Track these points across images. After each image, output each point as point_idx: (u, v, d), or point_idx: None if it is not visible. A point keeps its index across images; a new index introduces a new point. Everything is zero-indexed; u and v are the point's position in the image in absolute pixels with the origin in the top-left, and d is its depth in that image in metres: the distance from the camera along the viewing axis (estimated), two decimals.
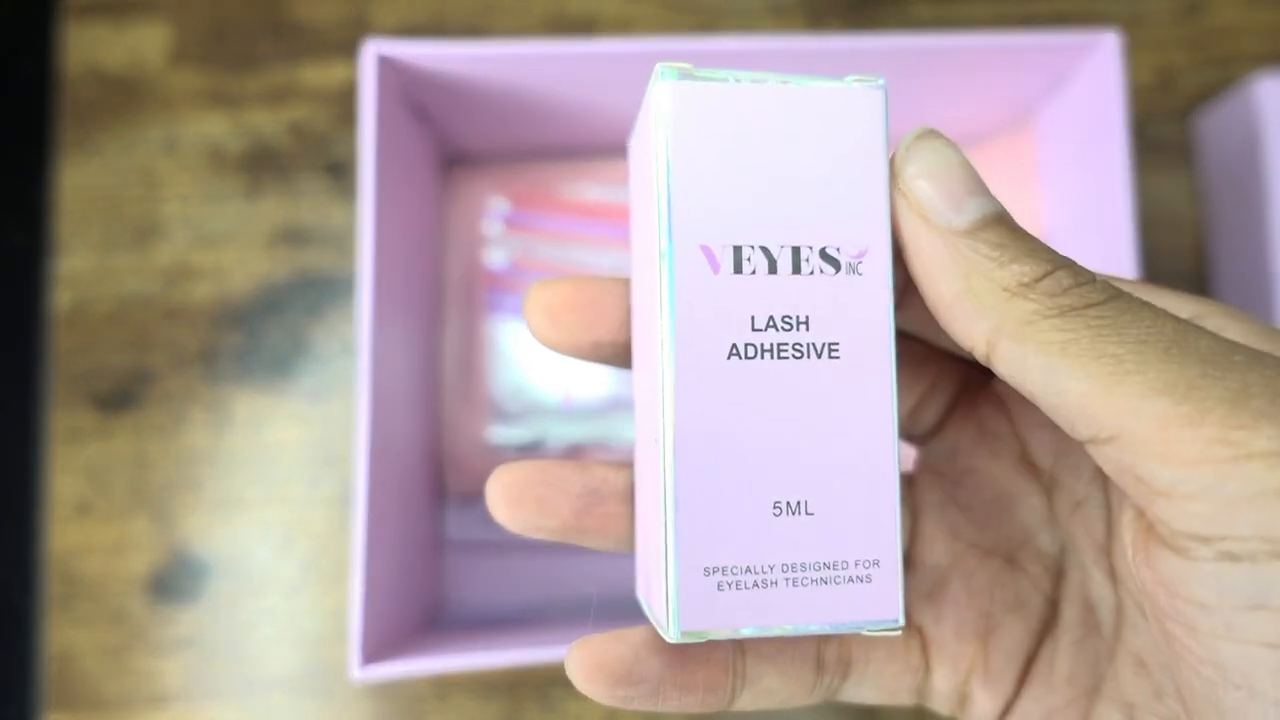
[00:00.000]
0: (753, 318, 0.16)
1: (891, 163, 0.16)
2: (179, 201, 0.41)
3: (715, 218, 0.16)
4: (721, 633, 0.15)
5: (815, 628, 0.16)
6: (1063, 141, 0.38)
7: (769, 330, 0.16)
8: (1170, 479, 0.12)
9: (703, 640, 0.15)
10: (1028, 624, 0.18)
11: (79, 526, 0.39)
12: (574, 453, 0.39)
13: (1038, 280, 0.14)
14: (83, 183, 0.41)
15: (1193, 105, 0.43)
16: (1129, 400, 0.13)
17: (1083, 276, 0.14)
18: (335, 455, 0.39)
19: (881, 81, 0.16)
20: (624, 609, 0.38)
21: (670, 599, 0.15)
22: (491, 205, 0.40)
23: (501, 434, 0.39)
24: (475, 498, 0.39)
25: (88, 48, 0.42)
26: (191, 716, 0.38)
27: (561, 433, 0.39)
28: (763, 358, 0.16)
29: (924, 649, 0.19)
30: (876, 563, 0.16)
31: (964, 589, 0.19)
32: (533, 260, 0.40)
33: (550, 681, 0.38)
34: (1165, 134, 0.43)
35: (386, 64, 0.31)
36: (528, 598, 0.38)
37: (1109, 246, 0.33)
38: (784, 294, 0.16)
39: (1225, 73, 0.43)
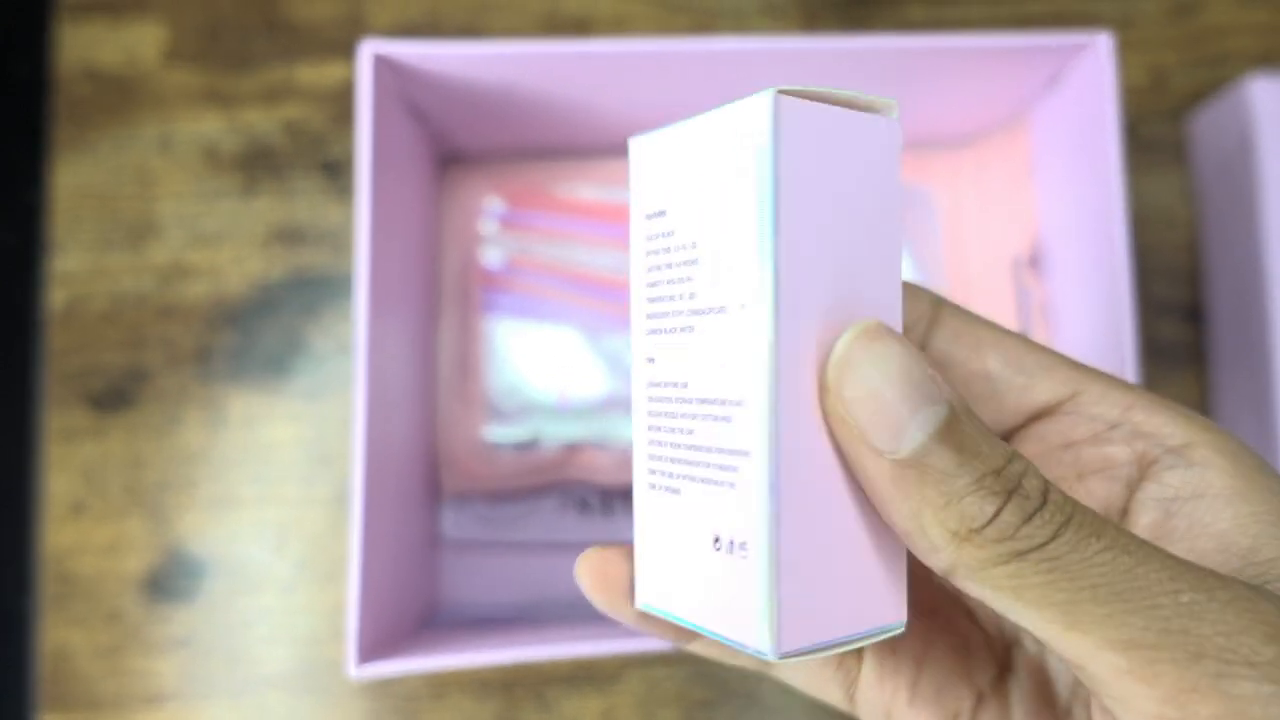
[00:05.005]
0: None
1: (824, 376, 0.15)
2: (174, 200, 0.41)
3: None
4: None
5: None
6: (1056, 142, 0.38)
7: None
8: (1127, 718, 0.13)
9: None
10: (967, 670, 0.19)
11: (74, 526, 0.39)
12: (570, 451, 0.39)
13: (985, 525, 0.14)
14: (77, 181, 0.41)
15: (1185, 105, 0.43)
16: (1084, 649, 0.13)
17: (1029, 505, 0.14)
18: (331, 454, 0.39)
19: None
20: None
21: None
22: (487, 204, 0.41)
23: (497, 432, 0.39)
24: (471, 496, 0.39)
25: (82, 46, 0.42)
26: (187, 716, 0.37)
27: (557, 431, 0.39)
28: None
29: (858, 652, 0.19)
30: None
31: (916, 618, 0.19)
32: (528, 259, 0.40)
33: (546, 680, 0.38)
34: (1158, 134, 0.43)
35: (382, 63, 0.31)
36: (523, 597, 0.38)
37: (1103, 246, 0.34)
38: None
39: (1217, 73, 0.43)
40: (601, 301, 0.40)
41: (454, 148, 0.40)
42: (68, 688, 0.38)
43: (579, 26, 0.43)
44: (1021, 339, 0.18)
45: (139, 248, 0.40)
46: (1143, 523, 0.17)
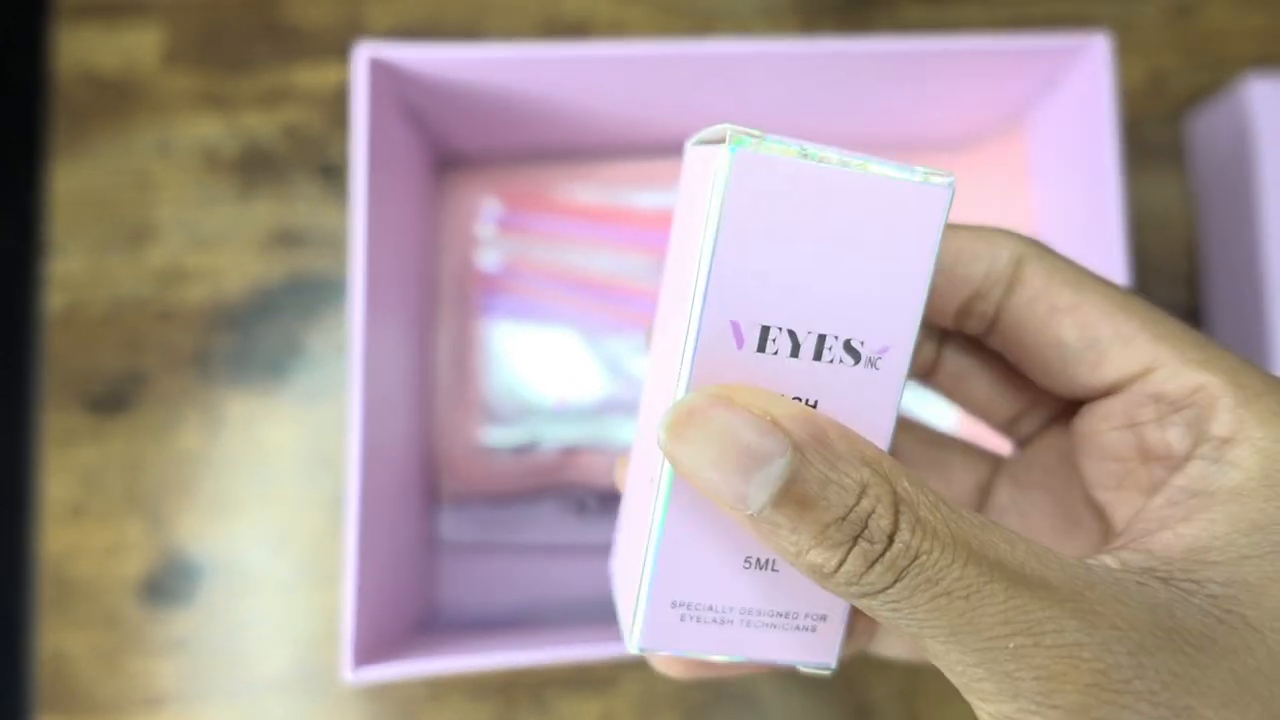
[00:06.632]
0: None
1: (661, 442, 0.15)
2: (173, 204, 0.41)
3: (749, 295, 0.15)
4: (674, 649, 0.18)
5: (753, 659, 0.18)
6: (1055, 144, 0.38)
7: None
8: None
9: (655, 654, 0.18)
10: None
11: (72, 528, 0.39)
12: (568, 454, 0.39)
13: (834, 572, 0.14)
14: (76, 185, 0.41)
15: (1183, 108, 0.43)
16: (937, 662, 0.15)
17: (873, 551, 0.14)
18: (329, 456, 0.39)
19: (951, 179, 0.15)
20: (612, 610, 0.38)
21: (637, 619, 0.17)
22: (485, 207, 0.41)
23: (495, 435, 0.39)
24: (468, 499, 0.39)
25: (81, 50, 0.42)
26: (185, 718, 0.37)
27: (554, 434, 0.39)
28: None
29: None
30: (823, 617, 0.18)
31: None
32: (526, 262, 0.40)
33: (544, 683, 0.38)
34: (1156, 136, 0.43)
35: (379, 67, 0.31)
36: (520, 599, 0.38)
37: (1101, 248, 0.34)
38: (800, 377, 0.16)
39: (1215, 75, 0.43)
40: (599, 304, 0.40)
41: (452, 150, 0.40)
42: (66, 690, 0.38)
43: (578, 29, 0.43)
44: (1104, 300, 0.17)
45: (138, 251, 0.40)
46: (1154, 504, 0.17)
